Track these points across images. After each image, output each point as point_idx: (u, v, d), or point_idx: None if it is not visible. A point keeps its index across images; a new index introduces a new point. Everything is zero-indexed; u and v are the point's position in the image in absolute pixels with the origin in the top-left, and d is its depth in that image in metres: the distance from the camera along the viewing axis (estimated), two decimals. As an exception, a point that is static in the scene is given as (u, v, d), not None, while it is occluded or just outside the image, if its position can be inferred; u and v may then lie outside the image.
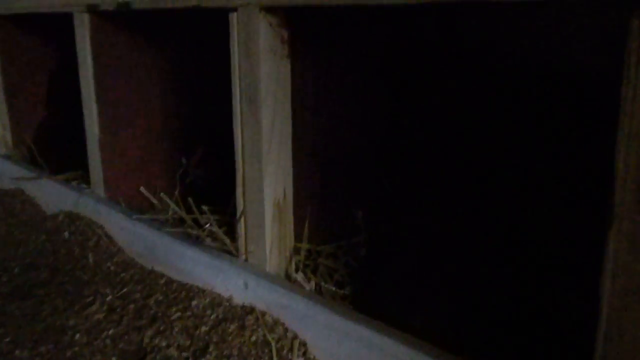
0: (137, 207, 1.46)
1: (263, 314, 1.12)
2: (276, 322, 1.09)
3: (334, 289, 1.15)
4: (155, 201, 1.41)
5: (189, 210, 1.27)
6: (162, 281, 1.28)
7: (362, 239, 1.22)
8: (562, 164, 1.06)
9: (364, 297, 1.15)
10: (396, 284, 1.15)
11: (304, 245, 1.16)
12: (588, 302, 0.92)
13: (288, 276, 1.18)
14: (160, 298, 1.23)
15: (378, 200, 1.27)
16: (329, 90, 1.19)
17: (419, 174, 1.26)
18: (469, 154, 1.22)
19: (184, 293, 1.22)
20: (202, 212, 1.19)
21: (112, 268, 1.36)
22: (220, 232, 1.15)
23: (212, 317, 1.15)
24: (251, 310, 1.14)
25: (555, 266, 0.99)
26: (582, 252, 0.97)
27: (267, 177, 1.12)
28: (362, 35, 1.18)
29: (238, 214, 1.17)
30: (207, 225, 1.17)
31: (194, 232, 1.22)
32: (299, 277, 1.12)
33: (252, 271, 1.15)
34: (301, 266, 1.15)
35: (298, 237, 1.20)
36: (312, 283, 1.12)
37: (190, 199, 1.19)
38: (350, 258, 1.22)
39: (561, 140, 1.09)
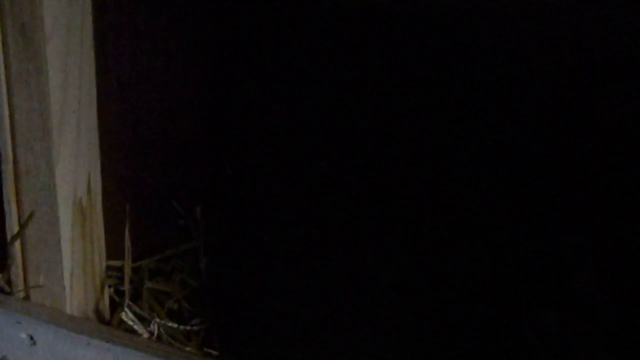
0: None
1: (69, 384, 0.71)
2: (96, 397, 0.69)
3: (176, 326, 0.77)
4: None
5: None
6: None
7: (200, 246, 0.86)
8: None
9: (221, 334, 0.79)
10: (266, 312, 0.80)
11: (127, 264, 0.76)
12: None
13: (100, 316, 0.78)
14: None
15: (220, 191, 0.91)
16: (141, 36, 0.80)
17: (272, 150, 0.93)
18: (339, 121, 0.90)
19: None
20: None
21: None
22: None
23: (-23, 400, 0.71)
24: (47, 380, 0.72)
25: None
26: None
27: (62, 164, 0.71)
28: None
29: (9, 228, 0.74)
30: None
31: None
32: (126, 316, 0.72)
33: (41, 316, 0.74)
34: (126, 297, 0.75)
35: (112, 252, 0.80)
36: (155, 326, 0.73)
37: None
38: (185, 275, 0.86)
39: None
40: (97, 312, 0.78)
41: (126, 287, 0.76)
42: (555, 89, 0.72)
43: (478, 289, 0.69)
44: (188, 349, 0.75)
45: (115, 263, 0.81)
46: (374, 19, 0.91)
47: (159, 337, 0.75)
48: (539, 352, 0.67)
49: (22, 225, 0.73)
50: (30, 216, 0.72)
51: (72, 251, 0.74)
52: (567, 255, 0.67)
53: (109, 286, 0.81)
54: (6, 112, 0.71)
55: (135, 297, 0.81)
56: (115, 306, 0.80)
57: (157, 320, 0.76)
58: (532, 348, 0.68)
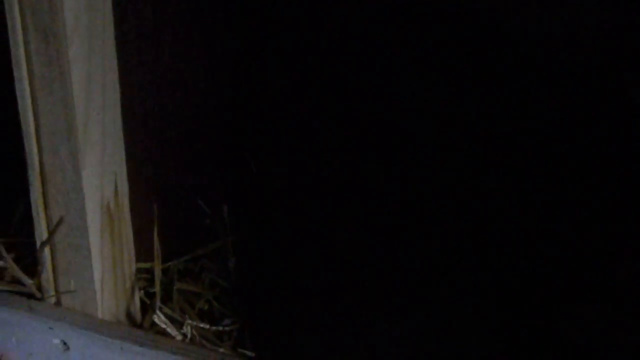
0: None
1: (105, 389, 0.70)
2: (132, 401, 0.69)
3: (208, 327, 0.76)
4: None
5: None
6: None
7: (228, 245, 0.85)
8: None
9: (254, 334, 0.78)
10: (298, 310, 0.80)
11: (157, 265, 0.76)
12: None
13: (132, 319, 0.77)
14: None
15: (246, 189, 0.89)
16: (163, 36, 0.79)
17: (297, 146, 0.91)
18: (358, 114, 0.89)
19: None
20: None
21: None
22: (12, 265, 0.71)
23: (12, 407, 0.70)
24: (82, 385, 0.71)
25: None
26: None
27: (88, 167, 0.70)
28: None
29: (38, 234, 0.74)
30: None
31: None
32: (159, 319, 0.71)
33: (73, 321, 0.73)
34: (157, 299, 0.75)
35: (139, 254, 0.79)
36: (188, 328, 0.72)
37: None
38: (214, 275, 0.85)
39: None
40: (129, 315, 0.77)
41: (157, 289, 0.75)
42: (590, 76, 0.70)
43: (515, 283, 0.67)
44: (222, 350, 0.74)
45: (144, 265, 0.80)
46: (395, 10, 0.89)
47: (191, 339, 0.75)
48: (578, 346, 0.66)
49: (51, 231, 0.72)
50: (60, 222, 0.71)
51: (102, 255, 0.74)
52: (606, 247, 0.65)
53: (139, 289, 0.81)
54: (31, 118, 0.70)
55: (165, 299, 0.81)
56: (146, 309, 0.80)
57: (190, 321, 0.75)
58: (571, 342, 0.66)
